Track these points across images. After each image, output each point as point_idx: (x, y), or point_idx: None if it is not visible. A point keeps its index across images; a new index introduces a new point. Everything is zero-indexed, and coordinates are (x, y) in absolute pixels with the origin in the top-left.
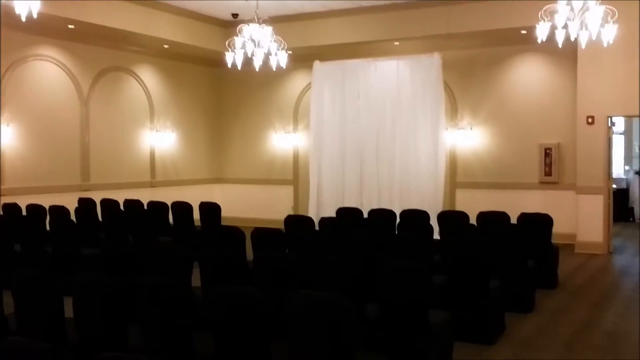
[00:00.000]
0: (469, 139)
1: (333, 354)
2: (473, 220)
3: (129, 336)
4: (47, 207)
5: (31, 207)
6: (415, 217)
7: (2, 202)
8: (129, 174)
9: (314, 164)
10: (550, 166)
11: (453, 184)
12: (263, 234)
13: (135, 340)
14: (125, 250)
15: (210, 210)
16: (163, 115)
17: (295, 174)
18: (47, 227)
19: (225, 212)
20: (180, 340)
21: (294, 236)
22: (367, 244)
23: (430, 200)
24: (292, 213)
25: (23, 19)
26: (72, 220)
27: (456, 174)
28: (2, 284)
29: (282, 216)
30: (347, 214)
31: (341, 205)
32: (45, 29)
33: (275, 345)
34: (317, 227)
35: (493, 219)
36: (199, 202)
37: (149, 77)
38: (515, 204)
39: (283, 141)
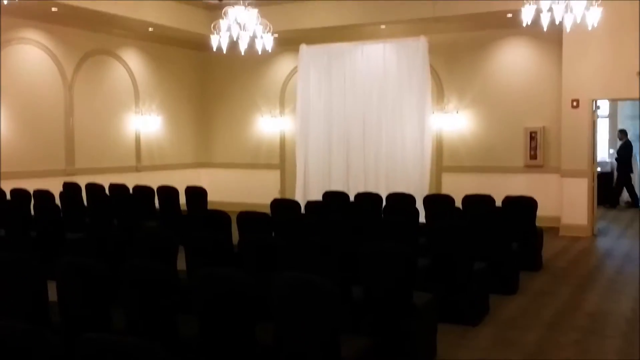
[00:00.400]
0: (455, 122)
1: (318, 336)
2: (459, 204)
3: (113, 320)
4: (31, 192)
5: (15, 192)
6: (402, 201)
7: None
8: (114, 159)
9: (300, 148)
10: (536, 149)
11: (439, 168)
12: (249, 218)
13: (120, 324)
14: (111, 235)
15: (196, 194)
16: (148, 99)
17: (281, 158)
18: (32, 212)
19: (211, 197)
20: (164, 323)
21: (280, 219)
22: (353, 227)
23: (417, 184)
24: (279, 197)
25: (5, 2)
26: (57, 205)
27: (442, 157)
28: None
29: (268, 200)
30: (334, 198)
31: (328, 189)
32: (28, 12)
33: (260, 327)
34: (303, 211)
35: (478, 202)
36: (184, 187)
37: (133, 60)
38: (501, 187)
39: (269, 125)
